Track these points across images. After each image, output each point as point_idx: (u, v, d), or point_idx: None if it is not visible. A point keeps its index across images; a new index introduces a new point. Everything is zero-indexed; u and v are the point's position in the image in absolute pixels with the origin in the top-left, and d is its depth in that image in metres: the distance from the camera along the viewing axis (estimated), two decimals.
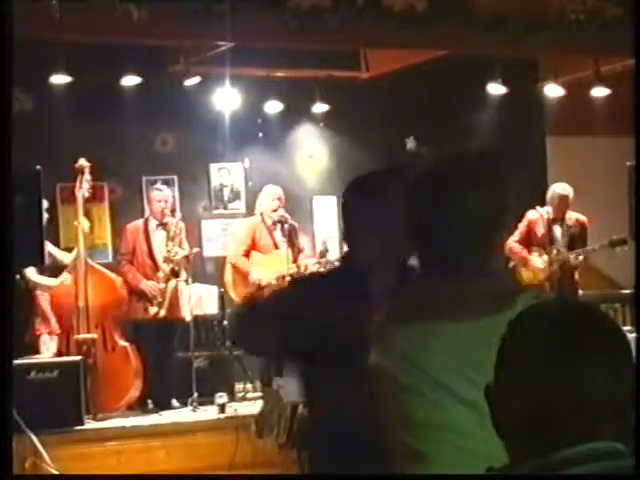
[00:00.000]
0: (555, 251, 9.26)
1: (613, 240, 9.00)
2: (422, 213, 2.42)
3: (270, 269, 8.71)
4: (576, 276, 9.34)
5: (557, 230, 9.35)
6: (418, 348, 2.39)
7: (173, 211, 8.74)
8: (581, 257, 9.15)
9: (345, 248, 3.30)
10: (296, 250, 8.65)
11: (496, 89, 9.85)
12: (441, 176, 2.43)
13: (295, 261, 8.62)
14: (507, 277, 2.45)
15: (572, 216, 9.37)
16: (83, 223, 8.23)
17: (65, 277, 8.16)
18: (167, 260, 8.48)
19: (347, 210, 3.13)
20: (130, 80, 9.03)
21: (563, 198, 9.33)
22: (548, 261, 9.23)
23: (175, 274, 8.49)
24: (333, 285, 3.07)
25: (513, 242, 9.47)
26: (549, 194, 9.43)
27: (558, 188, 9.45)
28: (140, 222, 8.71)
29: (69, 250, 8.42)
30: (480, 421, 2.29)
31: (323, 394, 3.03)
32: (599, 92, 9.68)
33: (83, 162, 8.30)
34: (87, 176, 8.29)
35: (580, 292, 9.32)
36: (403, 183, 2.63)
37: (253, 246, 8.88)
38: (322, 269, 8.55)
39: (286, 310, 3.03)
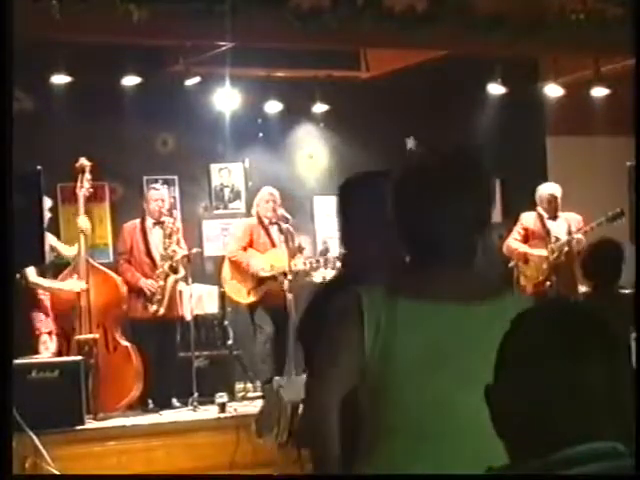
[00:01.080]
0: (554, 238, 9.27)
1: (610, 215, 9.00)
2: (416, 210, 2.54)
3: (267, 265, 8.74)
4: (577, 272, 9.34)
5: (553, 225, 9.37)
6: (414, 327, 2.48)
7: (170, 211, 8.76)
8: (580, 236, 9.11)
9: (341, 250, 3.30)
10: (292, 250, 8.66)
11: (496, 89, 9.85)
12: (434, 177, 2.54)
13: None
14: (491, 273, 2.66)
15: (565, 215, 9.37)
16: (84, 224, 8.23)
17: (79, 284, 8.16)
18: (164, 257, 8.49)
19: (348, 208, 3.14)
20: (130, 80, 9.02)
21: (551, 199, 9.34)
22: (549, 250, 9.22)
23: (173, 270, 8.50)
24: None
25: (511, 241, 9.48)
26: (537, 196, 9.44)
27: (545, 189, 9.46)
28: (137, 221, 8.73)
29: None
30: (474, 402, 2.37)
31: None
32: (599, 92, 9.68)
33: (84, 161, 8.31)
34: (87, 175, 8.31)
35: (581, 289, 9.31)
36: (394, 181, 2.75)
37: (250, 244, 8.92)
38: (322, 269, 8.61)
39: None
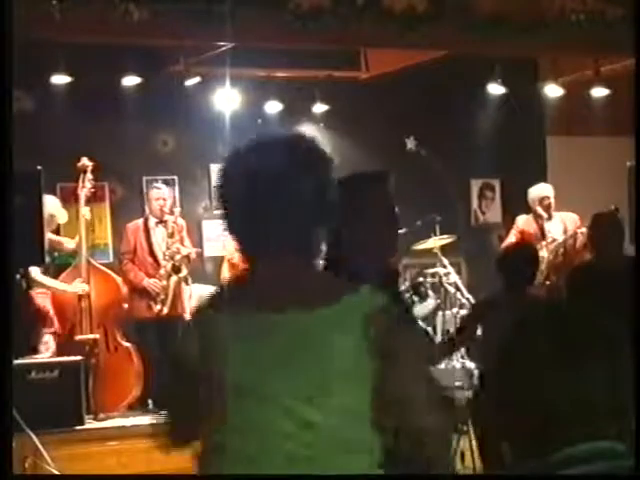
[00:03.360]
0: (550, 239, 9.26)
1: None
2: (247, 202, 2.34)
3: None
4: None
5: (548, 225, 9.36)
6: (243, 340, 2.35)
7: (172, 210, 8.77)
8: (584, 230, 9.06)
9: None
10: None
11: (496, 89, 9.85)
12: (266, 166, 2.33)
13: None
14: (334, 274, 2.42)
15: (561, 215, 9.36)
16: (84, 210, 8.25)
17: (82, 286, 8.17)
18: (167, 257, 8.50)
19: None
20: (130, 80, 9.02)
21: (543, 199, 9.34)
22: (546, 249, 9.21)
23: (176, 270, 8.50)
24: None
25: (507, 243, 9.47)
26: (529, 198, 9.43)
27: (536, 191, 9.45)
28: (140, 221, 8.74)
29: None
30: (300, 420, 2.28)
31: None
32: (599, 92, 9.68)
33: (85, 161, 8.31)
34: (89, 175, 8.31)
35: None
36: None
37: None
38: None
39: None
